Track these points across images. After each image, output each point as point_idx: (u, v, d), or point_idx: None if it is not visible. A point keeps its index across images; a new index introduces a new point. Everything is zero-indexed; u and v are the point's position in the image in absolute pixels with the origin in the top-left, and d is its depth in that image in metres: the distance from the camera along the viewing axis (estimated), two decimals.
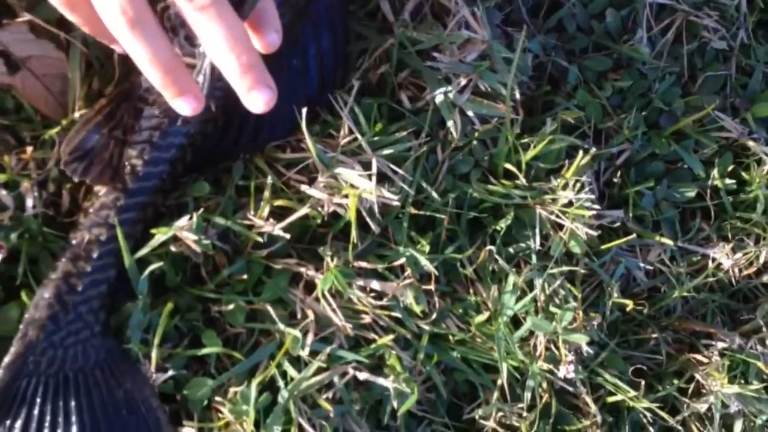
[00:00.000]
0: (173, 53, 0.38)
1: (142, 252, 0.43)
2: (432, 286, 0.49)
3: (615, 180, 0.55)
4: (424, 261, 0.48)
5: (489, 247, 0.50)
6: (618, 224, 0.54)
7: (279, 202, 0.47)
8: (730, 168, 0.57)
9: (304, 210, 0.46)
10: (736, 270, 0.56)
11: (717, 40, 0.57)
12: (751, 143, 0.56)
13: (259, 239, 0.46)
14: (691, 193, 0.56)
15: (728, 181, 0.57)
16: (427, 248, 0.49)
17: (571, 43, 0.56)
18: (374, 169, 0.46)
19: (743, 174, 0.57)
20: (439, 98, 0.48)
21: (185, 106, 0.39)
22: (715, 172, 0.56)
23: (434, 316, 0.50)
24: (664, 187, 0.56)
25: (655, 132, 0.56)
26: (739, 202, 0.57)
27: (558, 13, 0.55)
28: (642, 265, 0.55)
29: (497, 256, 0.50)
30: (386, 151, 0.47)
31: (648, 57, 0.56)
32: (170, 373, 0.45)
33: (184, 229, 0.43)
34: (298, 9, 0.45)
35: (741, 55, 0.59)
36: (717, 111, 0.56)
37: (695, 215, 0.58)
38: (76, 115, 0.45)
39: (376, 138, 0.47)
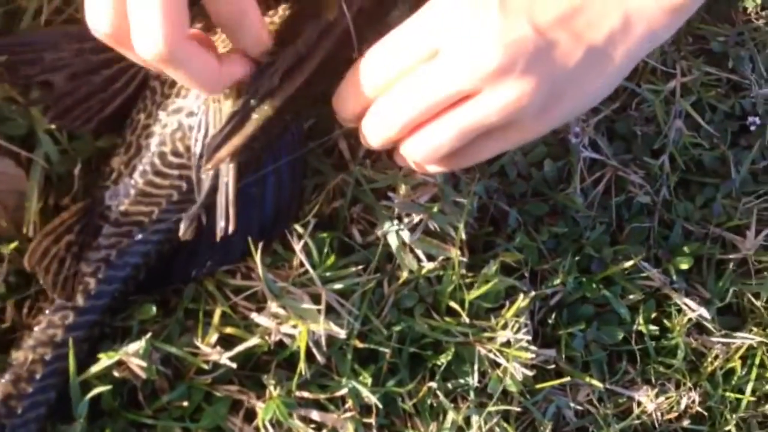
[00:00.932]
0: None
1: (87, 374, 0.42)
2: (372, 420, 0.49)
3: (549, 320, 0.58)
4: (366, 393, 0.49)
5: (430, 383, 0.51)
6: (552, 364, 0.56)
7: (228, 330, 0.47)
8: (654, 315, 0.61)
9: (253, 341, 0.46)
10: (659, 414, 0.59)
11: (642, 195, 0.62)
12: (672, 293, 0.60)
13: (204, 366, 0.46)
14: (618, 337, 0.59)
15: (652, 327, 0.60)
16: (369, 380, 0.50)
17: (511, 187, 0.60)
18: (323, 304, 0.47)
19: (665, 321, 0.61)
20: (390, 236, 0.50)
21: None
22: (640, 318, 0.60)
23: None
24: (593, 329, 0.59)
25: (586, 276, 0.60)
26: (661, 348, 0.61)
27: (501, 159, 0.59)
28: (572, 404, 0.57)
29: (438, 392, 0.51)
30: (336, 286, 0.48)
31: (581, 206, 0.60)
32: None
33: (132, 355, 0.43)
34: (269, 140, 0.46)
35: (663, 209, 0.64)
36: (642, 260, 0.60)
37: (621, 358, 0.60)
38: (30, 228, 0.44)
39: (327, 273, 0.48)
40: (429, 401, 0.52)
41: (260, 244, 0.46)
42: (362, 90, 0.42)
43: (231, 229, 0.43)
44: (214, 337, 0.46)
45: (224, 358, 0.46)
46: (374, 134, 0.43)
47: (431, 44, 0.40)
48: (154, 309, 0.45)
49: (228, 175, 0.43)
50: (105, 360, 0.43)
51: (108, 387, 0.43)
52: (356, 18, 0.42)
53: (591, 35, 0.40)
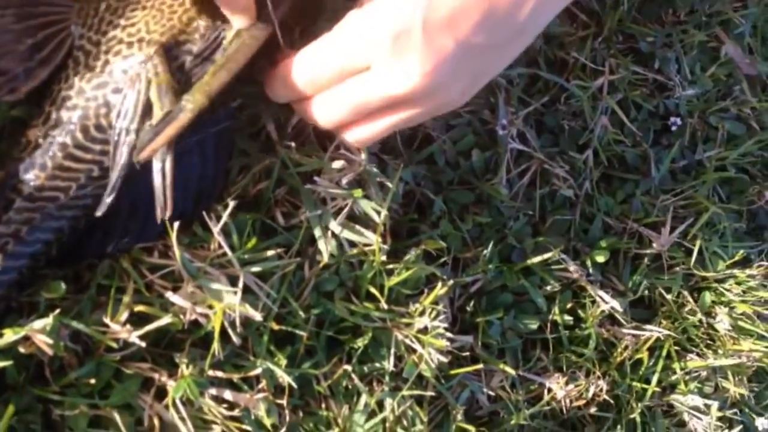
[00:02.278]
0: None
1: None
2: (284, 400, 0.50)
3: (468, 308, 0.59)
4: (280, 373, 0.49)
5: (346, 366, 0.52)
6: (468, 350, 0.57)
7: (140, 308, 0.46)
8: (569, 305, 0.62)
9: (166, 319, 0.46)
10: (568, 400, 0.61)
11: (565, 188, 0.64)
12: (588, 285, 0.62)
13: (114, 345, 0.45)
14: (534, 325, 0.61)
15: (566, 317, 0.62)
16: (284, 362, 0.50)
17: (439, 175, 0.60)
18: (240, 285, 0.47)
19: (580, 312, 0.63)
20: (313, 220, 0.50)
21: None
22: (555, 308, 0.61)
23: (284, 429, 0.50)
24: (511, 317, 0.60)
25: (506, 265, 0.61)
26: (574, 337, 0.63)
27: (430, 147, 0.60)
28: (485, 390, 0.58)
29: (353, 375, 0.52)
30: (255, 268, 0.48)
31: (505, 196, 0.61)
32: None
33: (39, 331, 0.42)
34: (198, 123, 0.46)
35: (585, 203, 0.65)
36: (561, 252, 0.62)
37: (536, 346, 0.62)
38: None
39: (246, 255, 0.48)
40: (344, 383, 0.52)
41: (177, 223, 0.45)
42: (296, 85, 0.46)
43: (168, 214, 0.44)
44: (124, 315, 0.45)
45: (134, 336, 0.45)
46: (311, 120, 0.47)
47: (363, 58, 0.43)
48: (63, 286, 0.44)
49: (165, 162, 0.43)
50: (10, 335, 0.42)
51: (9, 362, 0.42)
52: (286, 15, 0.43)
53: (507, 26, 0.43)
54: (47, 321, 0.43)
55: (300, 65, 0.45)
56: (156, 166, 0.43)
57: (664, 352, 0.66)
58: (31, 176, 0.44)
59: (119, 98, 0.44)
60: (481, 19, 0.42)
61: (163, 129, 0.43)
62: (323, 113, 0.46)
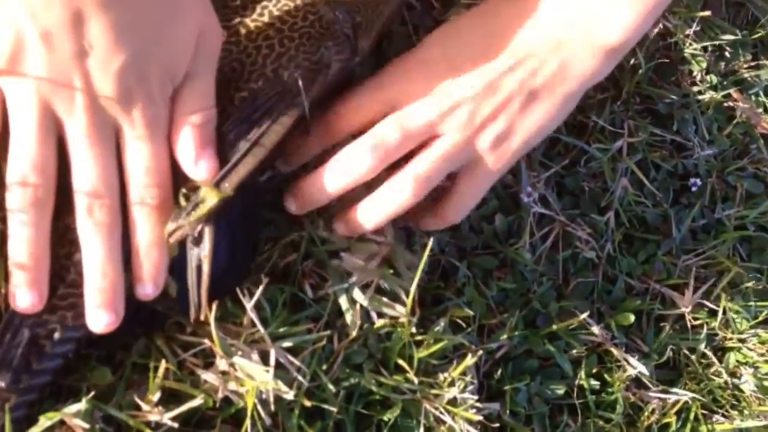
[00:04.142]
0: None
1: None
2: None
3: (495, 375, 0.59)
4: None
5: None
6: (496, 419, 0.57)
7: (171, 385, 0.46)
8: (595, 370, 0.62)
9: (198, 400, 0.46)
10: None
11: (588, 250, 0.64)
12: (613, 349, 0.62)
13: (146, 427, 0.45)
14: (561, 391, 0.60)
15: (593, 381, 0.62)
16: None
17: (463, 241, 0.61)
18: (272, 362, 0.47)
19: (606, 376, 0.62)
20: (340, 294, 0.51)
21: (103, 320, 0.41)
22: (582, 373, 0.61)
23: None
24: (537, 383, 0.60)
25: (531, 330, 0.61)
26: (601, 402, 0.62)
27: None
28: None
29: None
30: (286, 343, 0.48)
31: (529, 261, 0.61)
32: None
33: (74, 416, 0.42)
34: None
35: (607, 265, 0.65)
36: (586, 315, 0.62)
37: (563, 411, 0.62)
38: None
39: (278, 329, 0.48)
40: None
41: (214, 305, 0.45)
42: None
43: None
44: (156, 395, 0.45)
45: (165, 417, 0.45)
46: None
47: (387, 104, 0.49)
48: (109, 374, 0.45)
49: (203, 241, 0.44)
50: (44, 421, 0.42)
51: None
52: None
53: (532, 81, 0.49)
54: (82, 405, 0.43)
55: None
56: (189, 247, 0.44)
57: (692, 415, 0.65)
58: (73, 262, 0.44)
59: None
60: (509, 68, 0.49)
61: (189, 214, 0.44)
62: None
